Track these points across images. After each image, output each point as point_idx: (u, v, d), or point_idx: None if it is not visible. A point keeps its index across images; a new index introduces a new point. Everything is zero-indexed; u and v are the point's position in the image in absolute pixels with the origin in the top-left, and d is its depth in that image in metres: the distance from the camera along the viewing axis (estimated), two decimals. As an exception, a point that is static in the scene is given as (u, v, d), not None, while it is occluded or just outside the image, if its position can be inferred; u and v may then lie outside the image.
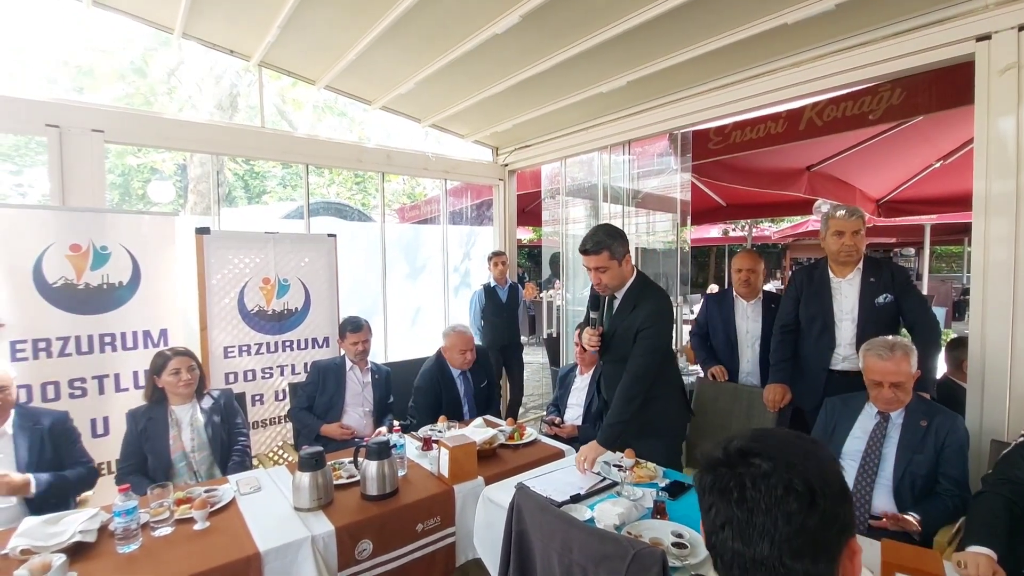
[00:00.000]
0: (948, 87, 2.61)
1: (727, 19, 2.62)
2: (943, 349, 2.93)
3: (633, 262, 2.27)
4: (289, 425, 3.40)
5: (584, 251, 2.17)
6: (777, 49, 2.80)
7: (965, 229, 8.83)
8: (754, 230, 10.44)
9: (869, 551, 1.36)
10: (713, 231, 11.78)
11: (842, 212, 2.47)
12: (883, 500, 1.88)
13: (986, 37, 2.19)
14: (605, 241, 2.13)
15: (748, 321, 3.05)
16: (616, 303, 2.27)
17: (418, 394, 3.09)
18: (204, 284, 3.23)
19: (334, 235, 3.80)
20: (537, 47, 3.11)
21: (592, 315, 2.28)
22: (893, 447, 1.91)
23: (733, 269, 3.11)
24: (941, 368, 2.88)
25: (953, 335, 3.62)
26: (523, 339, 5.05)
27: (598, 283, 2.20)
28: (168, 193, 7.82)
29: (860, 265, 2.49)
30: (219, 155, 3.91)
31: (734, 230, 11.65)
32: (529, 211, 6.56)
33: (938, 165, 4.48)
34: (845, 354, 2.48)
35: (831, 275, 2.55)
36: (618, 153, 4.05)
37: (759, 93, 2.98)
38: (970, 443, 2.11)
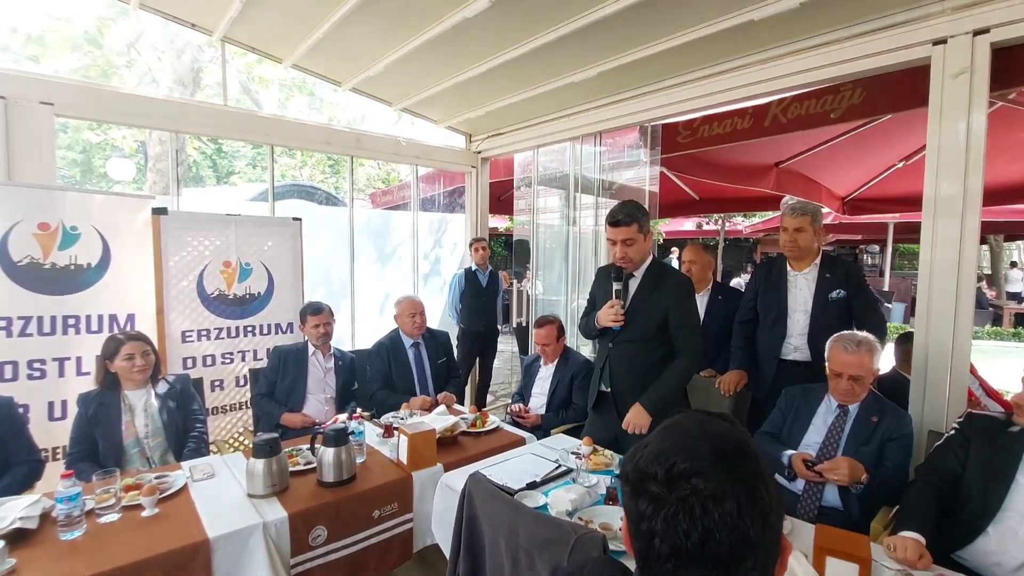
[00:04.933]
0: (907, 89, 2.67)
1: (696, 13, 2.63)
2: (893, 343, 3.06)
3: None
4: (250, 411, 3.35)
5: (615, 222, 2.15)
6: (744, 46, 2.82)
7: (925, 228, 9.13)
8: (727, 224, 10.63)
9: (808, 537, 1.42)
10: (687, 224, 11.97)
11: (787, 209, 2.57)
12: (830, 489, 1.95)
13: (942, 41, 2.24)
14: (636, 214, 2.14)
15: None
16: (634, 282, 2.26)
17: (370, 359, 3.20)
18: (160, 266, 3.12)
19: (299, 219, 3.72)
20: (509, 33, 3.07)
21: (616, 287, 2.21)
22: (843, 439, 1.98)
23: None
24: (888, 362, 3.01)
25: (910, 329, 3.76)
26: (500, 327, 4.98)
27: (623, 257, 2.17)
28: (128, 171, 7.51)
29: (817, 261, 2.58)
30: (178, 133, 3.77)
31: (708, 224, 11.83)
32: (504, 200, 6.52)
33: (900, 165, 4.61)
34: (796, 344, 2.57)
35: (788, 269, 2.64)
36: (589, 144, 4.05)
37: (726, 89, 3.01)
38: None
